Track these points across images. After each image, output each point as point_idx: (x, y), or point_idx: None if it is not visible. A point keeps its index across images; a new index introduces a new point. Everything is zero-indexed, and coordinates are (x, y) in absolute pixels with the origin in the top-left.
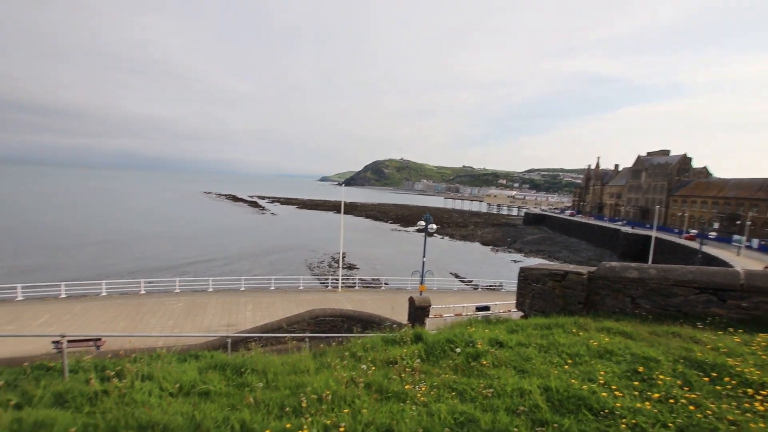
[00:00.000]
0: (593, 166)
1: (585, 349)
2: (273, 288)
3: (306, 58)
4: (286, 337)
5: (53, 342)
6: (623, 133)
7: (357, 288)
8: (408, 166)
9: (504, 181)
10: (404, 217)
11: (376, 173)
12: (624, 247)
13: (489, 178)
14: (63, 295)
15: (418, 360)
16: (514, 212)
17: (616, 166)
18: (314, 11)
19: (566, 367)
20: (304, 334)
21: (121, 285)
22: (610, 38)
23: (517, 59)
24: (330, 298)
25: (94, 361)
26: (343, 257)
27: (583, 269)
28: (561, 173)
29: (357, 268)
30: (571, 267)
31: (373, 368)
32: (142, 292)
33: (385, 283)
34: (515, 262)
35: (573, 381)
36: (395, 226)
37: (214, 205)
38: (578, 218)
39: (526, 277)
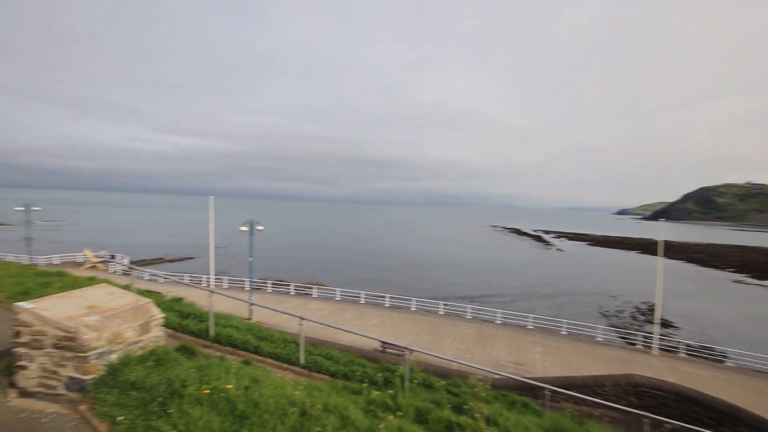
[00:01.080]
0: None
1: None
2: (564, 333)
3: (595, 80)
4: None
5: (381, 342)
6: None
7: (681, 355)
8: (761, 192)
9: None
10: (758, 265)
11: (703, 203)
12: None
13: None
14: (387, 305)
15: None
16: None
17: None
18: (611, 29)
19: None
20: (646, 414)
21: (425, 304)
22: None
23: None
24: (640, 360)
25: (423, 375)
26: (656, 310)
27: None
28: None
29: (675, 327)
30: None
31: None
32: (441, 312)
33: (725, 357)
34: None
35: None
36: (739, 276)
37: (500, 238)
38: None
39: None
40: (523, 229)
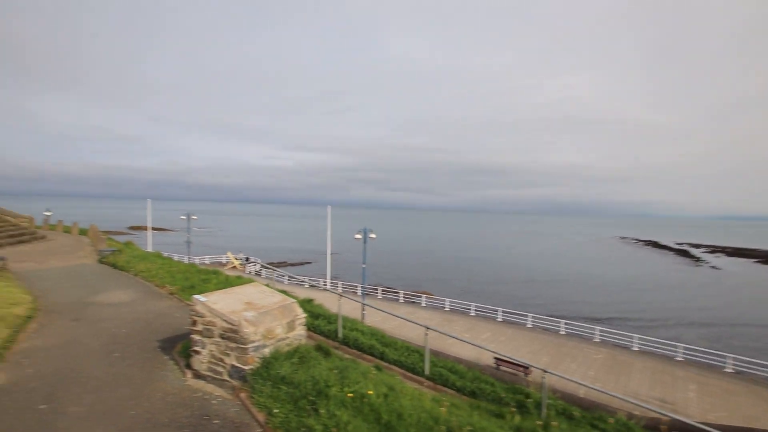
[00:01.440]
0: None
1: None
2: (729, 370)
3: (755, 62)
4: None
5: (495, 358)
6: None
7: None
8: None
9: None
10: None
11: None
12: None
13: None
14: (499, 319)
15: None
16: None
17: None
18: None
19: None
20: None
21: (543, 321)
22: None
23: None
24: None
25: (563, 403)
26: None
27: None
28: None
29: None
30: None
31: None
32: (562, 332)
33: None
34: None
35: None
36: None
37: (633, 252)
38: None
39: None
40: (663, 242)
